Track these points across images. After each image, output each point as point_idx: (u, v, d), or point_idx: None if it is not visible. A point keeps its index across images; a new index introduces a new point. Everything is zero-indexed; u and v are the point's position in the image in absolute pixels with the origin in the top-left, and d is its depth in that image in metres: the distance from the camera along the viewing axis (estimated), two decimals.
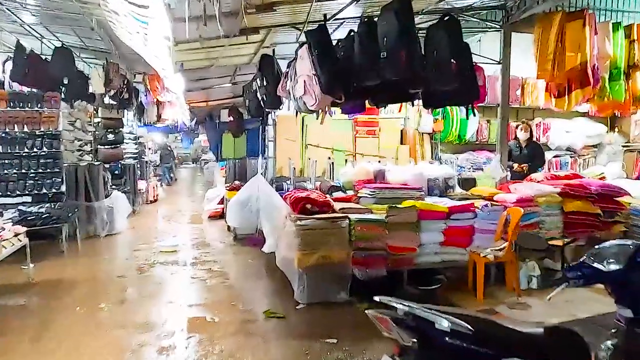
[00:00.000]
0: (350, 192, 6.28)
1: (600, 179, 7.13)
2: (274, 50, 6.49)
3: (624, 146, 9.26)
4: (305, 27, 5.52)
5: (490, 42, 7.43)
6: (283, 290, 5.24)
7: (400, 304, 1.95)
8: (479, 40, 7.53)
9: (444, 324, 1.84)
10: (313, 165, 7.28)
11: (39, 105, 7.95)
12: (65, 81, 7.09)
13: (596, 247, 2.39)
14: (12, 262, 5.74)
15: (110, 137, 10.37)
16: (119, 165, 10.61)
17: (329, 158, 8.20)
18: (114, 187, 9.66)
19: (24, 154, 7.88)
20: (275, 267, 5.56)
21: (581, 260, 2.36)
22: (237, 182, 9.35)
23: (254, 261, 6.78)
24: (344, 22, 5.87)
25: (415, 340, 1.87)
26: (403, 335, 1.90)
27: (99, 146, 9.83)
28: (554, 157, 9.16)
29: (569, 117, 9.24)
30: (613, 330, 2.35)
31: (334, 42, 4.64)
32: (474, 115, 4.72)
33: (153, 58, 5.54)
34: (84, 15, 5.85)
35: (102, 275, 6.23)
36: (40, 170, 7.92)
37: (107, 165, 9.69)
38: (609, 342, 2.28)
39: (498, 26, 6.83)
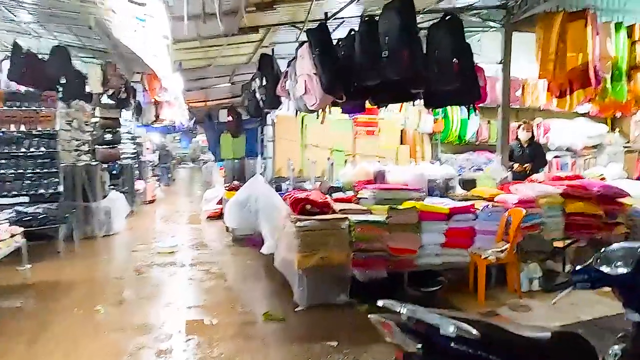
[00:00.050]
0: (350, 193, 6.22)
1: (601, 179, 7.08)
2: (273, 50, 6.46)
3: (624, 147, 9.24)
4: (305, 26, 5.48)
5: (491, 42, 7.39)
6: (282, 292, 5.19)
7: (404, 308, 1.90)
8: (479, 41, 7.50)
9: (449, 329, 1.79)
10: (312, 165, 7.24)
11: (36, 105, 7.86)
12: (63, 80, 7.06)
13: (603, 250, 2.34)
14: (8, 263, 5.67)
15: (108, 137, 10.33)
16: (117, 166, 10.56)
17: (329, 158, 8.14)
18: (111, 187, 9.60)
19: (20, 154, 7.80)
20: (274, 268, 5.51)
21: (588, 263, 2.31)
22: (235, 183, 9.30)
23: (252, 262, 6.72)
24: (344, 21, 5.83)
25: (419, 346, 1.82)
26: (407, 341, 1.85)
27: (96, 146, 9.78)
28: (554, 157, 9.14)
29: (569, 118, 9.23)
30: (621, 335, 2.31)
31: (335, 42, 4.60)
32: (476, 114, 4.69)
33: (151, 57, 5.50)
34: (82, 14, 5.81)
35: (99, 276, 6.17)
36: (37, 171, 7.84)
37: (104, 166, 9.63)
38: (616, 347, 2.24)
39: (499, 26, 6.79)
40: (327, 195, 5.80)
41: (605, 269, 2.22)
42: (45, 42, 7.32)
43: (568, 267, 5.64)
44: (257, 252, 6.41)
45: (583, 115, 9.17)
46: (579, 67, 5.64)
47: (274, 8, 4.81)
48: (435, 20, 4.41)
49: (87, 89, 7.86)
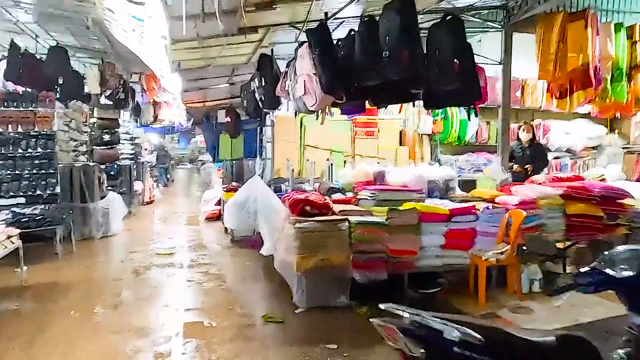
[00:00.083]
0: (349, 194, 6.19)
1: (601, 180, 7.07)
2: (272, 50, 6.42)
3: (623, 148, 9.24)
4: (305, 26, 5.45)
5: (491, 42, 7.38)
6: (281, 293, 5.15)
7: (407, 312, 1.87)
8: (479, 41, 7.48)
9: (453, 333, 1.76)
10: (312, 166, 7.20)
11: (33, 105, 7.84)
12: (60, 81, 7.00)
13: (607, 252, 2.31)
14: (4, 264, 5.64)
15: (106, 137, 10.28)
16: (115, 166, 10.52)
17: (328, 159, 8.12)
18: (109, 188, 9.54)
19: (18, 155, 7.76)
20: (274, 269, 5.48)
21: (591, 266, 2.28)
22: (234, 184, 9.26)
23: (251, 264, 6.69)
24: (344, 21, 5.80)
25: (422, 350, 1.78)
26: (410, 345, 1.81)
27: (94, 147, 9.73)
28: (554, 158, 9.14)
29: (568, 119, 9.23)
30: (625, 339, 2.28)
31: (334, 42, 4.57)
32: (476, 116, 4.67)
33: (149, 57, 5.46)
34: (80, 14, 5.77)
35: (97, 278, 6.12)
36: (35, 171, 7.80)
37: (102, 166, 9.58)
38: (621, 351, 2.20)
39: (499, 26, 6.77)
40: (327, 197, 5.78)
41: (609, 271, 2.19)
42: (43, 42, 7.27)
43: (569, 269, 5.63)
44: (256, 253, 6.37)
45: (583, 116, 9.17)
46: (580, 68, 5.62)
47: (274, 8, 4.77)
48: (435, 21, 4.38)
49: (85, 89, 7.80)
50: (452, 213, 5.11)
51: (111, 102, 8.71)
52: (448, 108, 8.39)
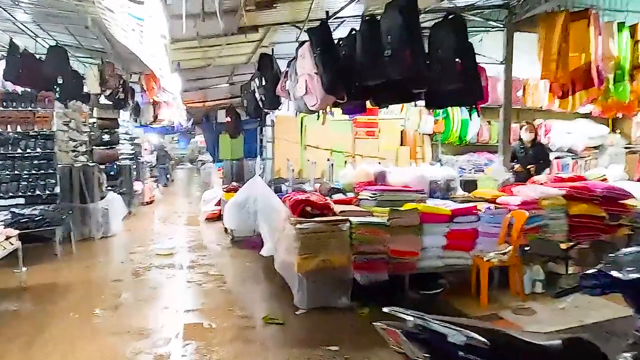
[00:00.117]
0: (350, 195, 6.16)
1: (602, 180, 7.03)
2: (272, 50, 6.39)
3: (625, 148, 9.21)
4: (305, 25, 5.42)
5: (492, 41, 7.34)
6: (282, 294, 5.11)
7: (411, 315, 1.83)
8: (481, 40, 7.44)
9: (458, 337, 1.73)
10: (312, 166, 7.17)
11: (32, 105, 7.80)
12: (60, 81, 6.97)
13: (612, 254, 2.27)
14: (4, 265, 5.61)
15: (106, 137, 10.25)
16: (115, 166, 10.49)
17: (328, 159, 8.09)
18: (109, 188, 9.52)
19: (17, 155, 7.72)
20: (274, 270, 5.45)
21: (597, 268, 2.24)
22: (234, 184, 9.23)
23: (251, 264, 6.65)
24: (345, 20, 5.77)
25: (427, 354, 1.75)
26: (414, 350, 1.78)
27: (94, 147, 9.69)
28: (556, 158, 9.09)
29: (570, 119, 9.20)
30: (631, 342, 2.24)
31: (335, 41, 4.54)
32: (478, 116, 4.63)
33: (149, 57, 5.43)
34: (79, 13, 5.74)
35: (96, 279, 6.09)
36: (34, 172, 7.77)
37: (102, 166, 9.56)
38: (628, 355, 2.17)
39: (501, 25, 6.74)
40: (327, 197, 5.75)
41: (615, 274, 2.15)
42: (42, 42, 7.24)
43: (571, 270, 5.60)
44: (257, 253, 6.34)
45: (584, 116, 9.14)
46: (582, 67, 5.60)
47: (274, 7, 4.74)
48: (437, 20, 4.35)
49: (85, 89, 7.77)
50: (453, 213, 5.07)
51: (111, 102, 8.67)
52: (449, 108, 8.36)
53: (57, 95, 7.35)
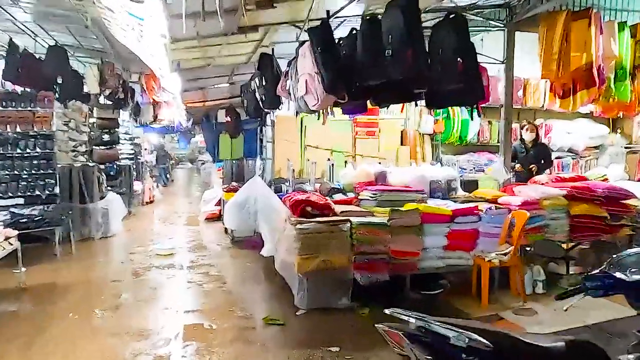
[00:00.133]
0: (350, 195, 6.15)
1: (603, 180, 7.03)
2: (273, 49, 6.37)
3: (626, 147, 9.19)
4: (306, 24, 5.39)
5: (492, 41, 7.32)
6: (282, 295, 5.10)
7: (413, 317, 1.81)
8: (482, 40, 7.43)
9: (460, 339, 1.71)
10: (312, 166, 7.15)
11: (32, 105, 7.77)
12: (59, 80, 6.96)
13: (617, 255, 2.26)
14: (3, 266, 5.60)
15: (106, 137, 10.23)
16: (115, 166, 10.47)
17: (329, 159, 8.07)
18: (109, 188, 9.49)
19: (16, 155, 7.70)
20: (274, 270, 5.44)
21: (601, 269, 2.23)
22: (234, 184, 9.21)
23: (252, 265, 6.64)
24: (345, 20, 5.75)
25: (429, 357, 1.73)
26: (416, 352, 1.76)
27: (94, 147, 9.67)
28: (556, 158, 9.08)
29: (570, 118, 9.18)
30: (634, 343, 2.23)
31: (336, 41, 4.52)
32: (479, 116, 4.61)
33: (149, 57, 5.42)
34: (78, 13, 5.72)
35: (96, 279, 6.07)
36: (33, 172, 7.74)
37: (102, 166, 9.53)
38: (631, 356, 2.15)
39: (502, 25, 6.72)
40: (328, 197, 5.73)
41: (619, 275, 2.14)
42: (42, 42, 7.21)
43: (572, 270, 5.58)
44: (257, 254, 6.32)
45: (584, 115, 9.12)
46: (583, 67, 5.57)
47: (274, 6, 4.72)
48: (438, 19, 4.33)
49: (85, 89, 7.76)
50: (454, 214, 5.06)
51: (110, 102, 8.66)
52: (450, 108, 8.35)
53: (57, 95, 7.35)
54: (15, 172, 7.67)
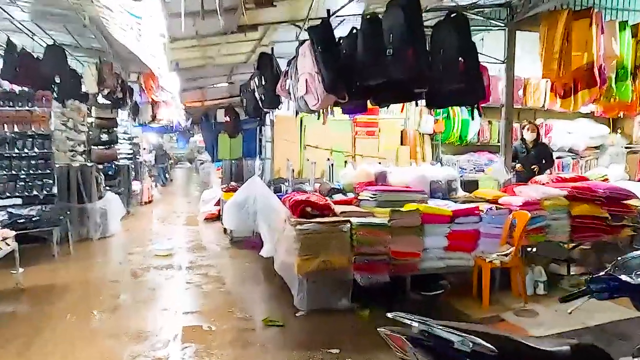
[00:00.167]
0: (350, 195, 6.11)
1: (603, 180, 7.00)
2: (272, 49, 6.33)
3: (626, 147, 9.18)
4: (306, 24, 5.36)
5: (493, 40, 7.29)
6: (282, 296, 5.07)
7: (416, 320, 1.78)
8: (482, 39, 7.39)
9: (465, 344, 1.68)
10: (312, 166, 7.12)
11: (29, 105, 7.73)
12: (58, 80, 6.92)
13: (621, 257, 2.23)
14: (0, 267, 5.55)
15: (104, 137, 10.20)
16: (113, 166, 10.43)
17: (328, 159, 8.04)
18: (107, 188, 9.45)
19: (14, 155, 7.66)
20: (274, 271, 5.40)
21: (606, 271, 2.20)
22: (233, 184, 9.18)
23: (251, 265, 6.61)
24: (345, 19, 5.71)
25: None
26: (419, 356, 1.73)
27: (92, 146, 9.65)
28: (556, 158, 9.05)
29: (571, 118, 9.16)
30: (639, 346, 2.20)
31: (337, 40, 4.49)
32: (480, 116, 4.58)
33: (148, 56, 5.38)
34: (77, 12, 5.68)
35: (94, 280, 6.04)
36: (31, 172, 7.71)
37: (100, 166, 9.49)
38: None
39: (502, 24, 6.68)
40: (328, 197, 5.70)
41: (624, 277, 2.11)
42: (40, 41, 7.17)
43: (573, 271, 5.56)
44: (256, 254, 6.29)
45: (585, 115, 9.10)
46: (584, 67, 5.54)
47: (274, 5, 4.68)
48: (439, 19, 4.30)
49: (83, 88, 7.72)
50: (455, 214, 5.03)
51: (109, 102, 8.62)
52: (450, 107, 8.31)
53: (55, 95, 7.31)
54: (13, 172, 7.63)
